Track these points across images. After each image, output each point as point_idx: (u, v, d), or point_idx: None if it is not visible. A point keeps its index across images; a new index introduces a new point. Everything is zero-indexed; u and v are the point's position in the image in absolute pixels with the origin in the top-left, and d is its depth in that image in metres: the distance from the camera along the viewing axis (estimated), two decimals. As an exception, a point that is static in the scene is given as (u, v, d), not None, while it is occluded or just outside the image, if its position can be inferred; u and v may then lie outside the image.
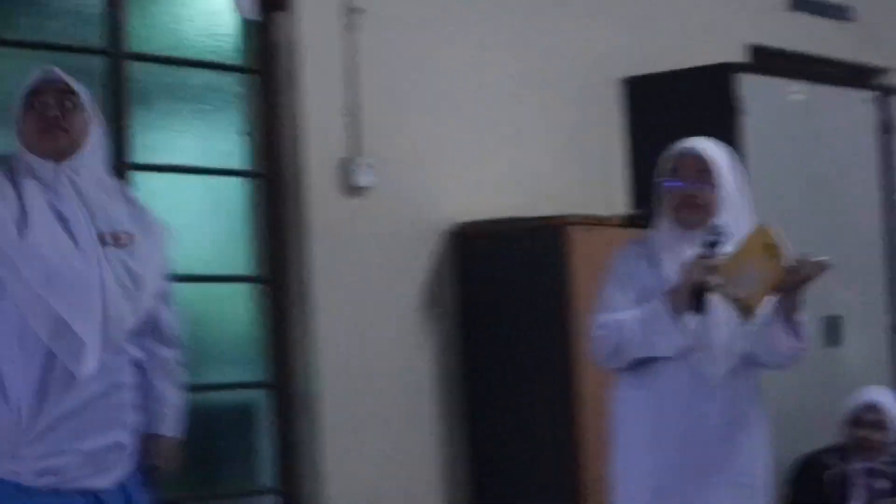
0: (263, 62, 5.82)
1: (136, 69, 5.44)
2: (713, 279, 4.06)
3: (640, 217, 5.40)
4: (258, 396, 5.80)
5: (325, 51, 5.83)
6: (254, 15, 5.73)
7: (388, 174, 5.92)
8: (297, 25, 5.77)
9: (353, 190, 5.84)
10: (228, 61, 5.80)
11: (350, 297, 5.81)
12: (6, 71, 5.10)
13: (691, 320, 4.13)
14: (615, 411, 4.37)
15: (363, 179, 5.83)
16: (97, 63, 5.34)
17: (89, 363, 3.80)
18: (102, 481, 3.88)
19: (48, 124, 3.90)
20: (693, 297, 4.09)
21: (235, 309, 5.75)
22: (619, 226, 6.01)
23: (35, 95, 3.95)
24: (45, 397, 3.78)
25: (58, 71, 4.00)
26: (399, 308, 5.98)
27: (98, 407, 3.85)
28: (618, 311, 4.22)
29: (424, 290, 6.06)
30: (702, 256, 4.10)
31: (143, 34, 5.51)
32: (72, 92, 3.95)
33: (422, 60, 6.14)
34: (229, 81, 5.80)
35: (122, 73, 5.38)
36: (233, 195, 5.78)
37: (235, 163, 5.80)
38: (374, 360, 5.86)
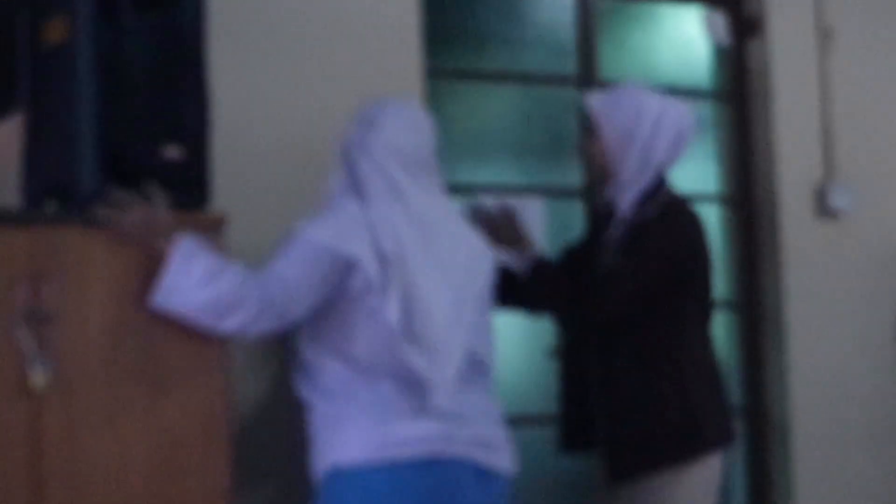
0: (736, 88, 5.82)
1: (610, 98, 5.54)
2: None
3: None
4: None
5: (799, 74, 5.77)
6: (726, 41, 5.74)
7: (863, 197, 5.80)
8: (770, 50, 5.74)
9: (829, 214, 5.75)
10: (701, 88, 5.84)
11: (824, 323, 5.71)
12: (483, 101, 5.33)
13: None
14: None
15: (839, 203, 5.74)
16: (570, 93, 5.49)
17: None
18: None
19: None
20: None
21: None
22: None
23: None
24: None
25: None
26: (874, 334, 5.81)
27: None
28: None
29: (901, 316, 5.91)
30: None
31: (615, 63, 5.61)
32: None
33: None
34: (702, 108, 5.83)
35: (595, 101, 5.47)
36: (707, 221, 5.77)
37: (709, 189, 5.82)
38: (847, 387, 5.73)
